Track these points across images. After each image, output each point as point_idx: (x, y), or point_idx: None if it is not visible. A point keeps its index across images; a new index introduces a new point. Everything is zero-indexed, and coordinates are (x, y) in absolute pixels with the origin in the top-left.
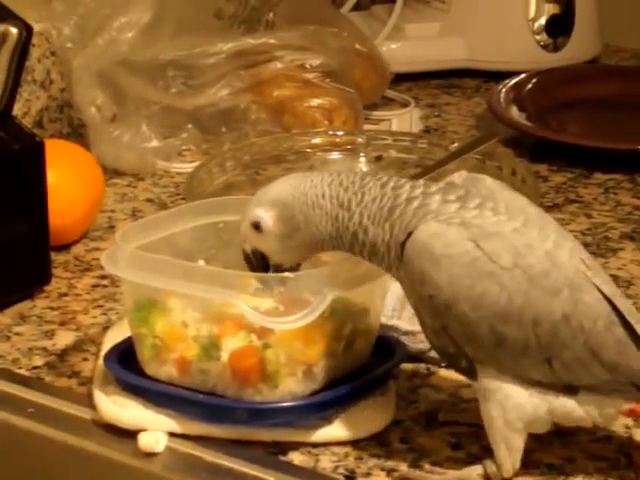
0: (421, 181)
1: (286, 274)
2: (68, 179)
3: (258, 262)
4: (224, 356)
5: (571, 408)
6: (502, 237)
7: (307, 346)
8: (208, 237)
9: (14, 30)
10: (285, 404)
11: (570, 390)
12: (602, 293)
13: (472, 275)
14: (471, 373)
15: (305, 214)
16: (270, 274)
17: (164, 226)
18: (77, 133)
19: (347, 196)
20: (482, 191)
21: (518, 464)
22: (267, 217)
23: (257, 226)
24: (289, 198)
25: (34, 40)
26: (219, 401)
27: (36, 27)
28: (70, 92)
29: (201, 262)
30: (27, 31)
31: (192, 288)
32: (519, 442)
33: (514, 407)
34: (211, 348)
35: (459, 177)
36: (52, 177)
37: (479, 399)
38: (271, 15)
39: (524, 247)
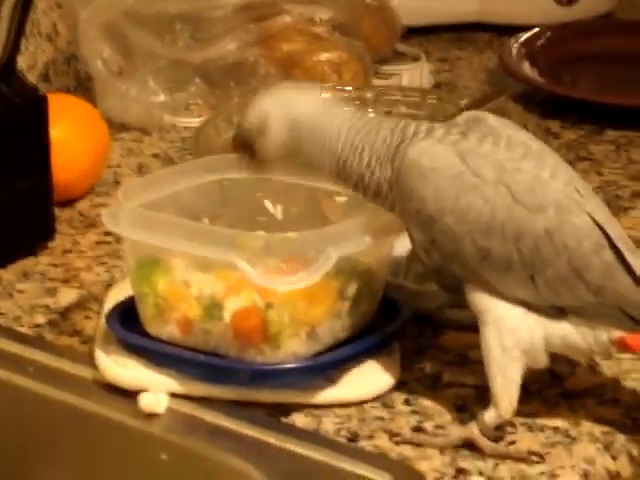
0: (426, 121)
1: (289, 234)
2: (72, 133)
3: (242, 146)
4: (226, 316)
5: (566, 332)
6: (490, 157)
7: (311, 306)
8: (212, 195)
9: None
10: (287, 366)
11: (558, 313)
12: (593, 219)
13: (457, 188)
14: (460, 292)
15: (313, 146)
16: (273, 234)
17: (168, 183)
18: (84, 87)
19: (360, 143)
20: (484, 129)
21: (515, 401)
22: (279, 127)
23: (261, 129)
24: (307, 119)
25: None
26: (221, 362)
27: None
28: (76, 45)
29: (205, 220)
30: None
31: (194, 248)
32: (516, 373)
33: (510, 331)
34: (213, 308)
35: (461, 117)
36: (56, 131)
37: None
38: None
39: (512, 167)
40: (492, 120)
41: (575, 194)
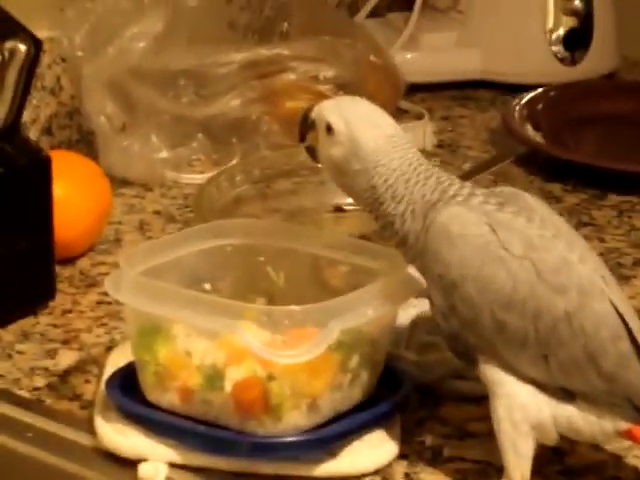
0: (470, 183)
1: (292, 307)
2: (75, 192)
3: (307, 130)
4: (228, 386)
5: (572, 415)
6: (521, 231)
7: (312, 379)
8: (215, 260)
9: (22, 47)
10: (288, 439)
11: (567, 396)
12: (615, 308)
13: (482, 258)
14: (472, 362)
15: (360, 177)
16: (275, 307)
17: (171, 248)
18: (86, 140)
19: (403, 192)
20: (521, 204)
21: (528, 475)
22: (341, 142)
23: (329, 129)
24: (363, 153)
25: (45, 46)
26: (221, 433)
27: (47, 34)
28: (80, 101)
29: (207, 285)
30: (36, 47)
31: (196, 318)
32: (527, 448)
33: (519, 407)
34: (215, 378)
35: (500, 189)
36: (58, 189)
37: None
38: (285, 25)
39: (541, 244)
40: (529, 198)
41: (600, 281)
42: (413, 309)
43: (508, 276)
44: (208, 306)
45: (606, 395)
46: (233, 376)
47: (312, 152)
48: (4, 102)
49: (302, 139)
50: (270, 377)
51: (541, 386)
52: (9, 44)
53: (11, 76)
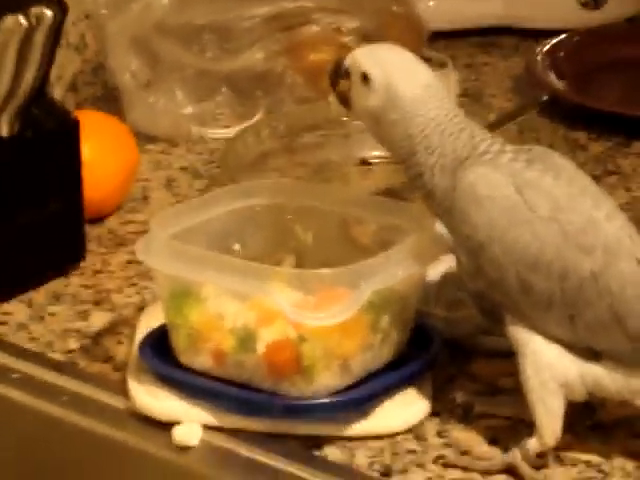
0: (501, 139)
1: (322, 270)
2: (103, 152)
3: (341, 77)
4: (260, 348)
5: (599, 374)
6: (548, 191)
7: (343, 340)
8: (243, 220)
9: (49, 12)
10: (321, 401)
11: (593, 355)
12: None
13: (509, 219)
14: (499, 321)
15: (397, 126)
16: (306, 270)
17: (200, 211)
18: (111, 96)
19: (436, 143)
20: (548, 163)
21: (559, 430)
22: (377, 91)
23: (366, 78)
24: (401, 103)
25: (68, 3)
26: (254, 396)
27: None
28: (104, 58)
29: (236, 246)
30: (62, 10)
31: (227, 281)
32: (557, 404)
33: (546, 365)
34: (247, 340)
35: (530, 147)
36: (86, 150)
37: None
38: None
39: (568, 204)
40: (557, 157)
41: (627, 239)
42: (441, 265)
43: (534, 237)
44: (239, 269)
45: (632, 354)
46: (265, 337)
47: (344, 100)
48: (31, 67)
49: (334, 86)
50: (302, 338)
51: (567, 346)
52: (35, 10)
53: (38, 41)
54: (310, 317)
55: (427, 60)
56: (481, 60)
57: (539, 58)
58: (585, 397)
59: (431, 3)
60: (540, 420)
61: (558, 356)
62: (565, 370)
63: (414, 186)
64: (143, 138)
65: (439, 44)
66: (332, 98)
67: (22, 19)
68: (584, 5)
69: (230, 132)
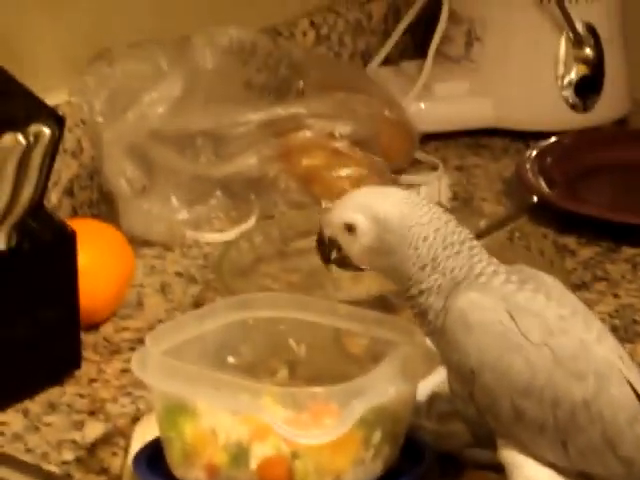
0: (495, 260)
1: (315, 389)
2: (99, 261)
3: (329, 248)
4: (253, 464)
5: None
6: (539, 316)
7: (336, 456)
8: (237, 334)
9: (47, 130)
10: None
11: (586, 479)
12: (634, 390)
13: (500, 346)
14: (492, 445)
15: (400, 247)
16: (298, 389)
17: (194, 325)
18: (107, 199)
19: (442, 254)
20: (539, 281)
21: None
22: (366, 229)
23: (350, 228)
24: (394, 223)
25: (65, 109)
26: None
27: (67, 98)
28: (100, 164)
29: (230, 359)
30: (59, 126)
31: (219, 399)
32: None
33: None
34: (240, 456)
35: (520, 268)
36: (83, 259)
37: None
38: (301, 83)
39: (560, 329)
40: (546, 277)
41: (618, 361)
42: (432, 377)
43: (526, 365)
44: (231, 386)
45: (625, 478)
46: (258, 453)
47: (343, 263)
48: (29, 183)
49: (328, 260)
50: (294, 455)
51: (560, 470)
52: (34, 128)
53: (36, 158)
54: (302, 435)
55: (418, 163)
56: (471, 162)
57: (528, 163)
58: None
59: (422, 106)
60: None
61: (549, 478)
62: None
63: (408, 304)
64: (138, 242)
65: (430, 146)
66: (332, 267)
67: (20, 138)
68: (573, 108)
69: (224, 236)
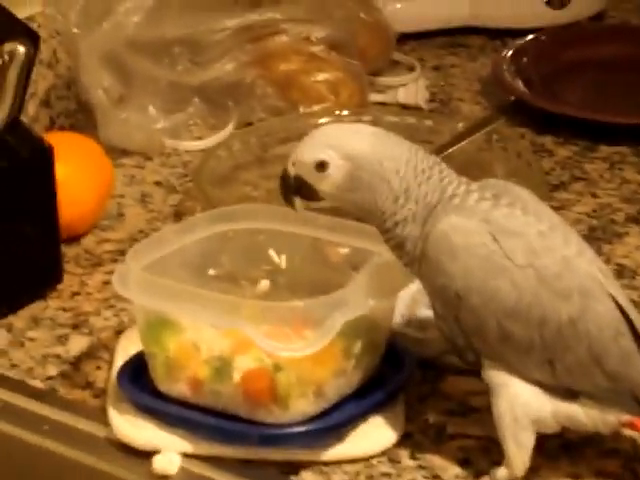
0: (464, 177)
1: (295, 302)
2: (77, 173)
3: (295, 186)
4: (236, 377)
5: (574, 411)
6: (522, 236)
7: (317, 367)
8: (218, 246)
9: (22, 48)
10: (296, 429)
11: (570, 395)
12: (617, 303)
13: (486, 269)
14: (477, 366)
15: (373, 182)
16: (278, 304)
17: (174, 240)
18: (85, 109)
19: (413, 184)
20: (513, 196)
21: (528, 462)
22: (338, 165)
23: (321, 165)
24: (366, 160)
25: (39, 20)
26: (231, 426)
27: (41, 9)
28: (77, 75)
29: (211, 271)
30: (34, 44)
31: (201, 315)
32: (528, 439)
33: (521, 404)
34: (223, 370)
35: (490, 182)
36: (61, 172)
37: (489, 393)
38: None
39: (542, 248)
40: (517, 188)
41: (599, 274)
42: (412, 285)
43: (512, 286)
44: (212, 301)
45: (610, 392)
46: (241, 366)
47: (309, 198)
48: (6, 100)
49: (291, 203)
50: (277, 367)
51: (546, 387)
52: (8, 46)
53: (12, 76)
54: (284, 349)
55: (395, 64)
56: (449, 62)
57: (505, 63)
58: (557, 430)
59: (399, 5)
60: (510, 453)
61: (534, 395)
62: (540, 408)
63: (384, 238)
64: (117, 152)
65: (407, 46)
66: (297, 205)
67: None
68: (549, 4)
69: (203, 144)
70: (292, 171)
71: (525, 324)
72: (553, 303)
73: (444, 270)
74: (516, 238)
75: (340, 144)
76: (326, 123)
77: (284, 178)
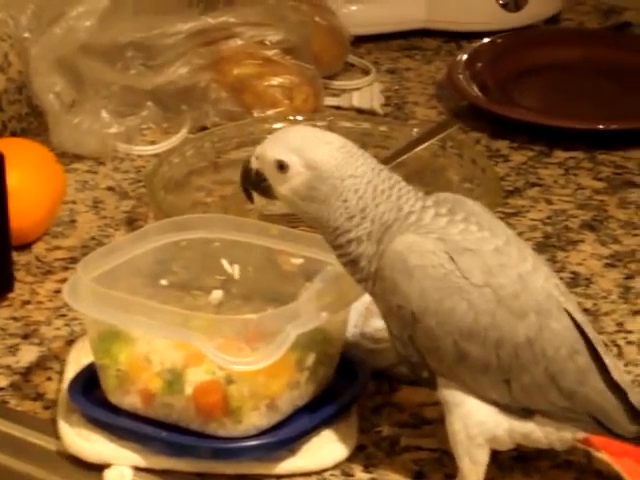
0: (420, 193)
1: (248, 316)
2: (28, 180)
3: (254, 181)
4: (188, 389)
5: (530, 429)
6: (478, 254)
7: (270, 380)
8: (170, 256)
9: None
10: (249, 443)
11: (526, 413)
12: (573, 319)
13: (442, 289)
14: (432, 384)
15: (329, 197)
16: (231, 317)
17: (126, 250)
18: (36, 113)
19: (371, 204)
20: (466, 209)
21: (482, 477)
22: (299, 172)
23: (282, 166)
24: (328, 174)
25: None
26: (183, 439)
27: None
28: (28, 80)
29: (163, 282)
30: None
31: (152, 328)
32: (482, 456)
33: (476, 423)
34: (174, 383)
35: (444, 197)
36: (12, 179)
37: (443, 410)
38: None
39: (498, 266)
40: (470, 202)
41: (555, 291)
42: (365, 296)
43: (469, 307)
44: (163, 314)
45: (566, 410)
46: (193, 378)
47: (267, 194)
48: None
49: (249, 195)
50: (229, 380)
51: (501, 405)
52: None
53: None
54: (236, 362)
55: (351, 67)
56: (404, 65)
57: (459, 67)
58: (512, 447)
59: (354, 8)
60: (465, 469)
61: (489, 414)
62: (495, 427)
63: (335, 253)
64: (69, 157)
65: (362, 49)
66: (255, 200)
67: None
68: (504, 7)
69: (156, 148)
70: (254, 164)
71: (482, 345)
72: (510, 323)
73: (400, 290)
74: (473, 257)
75: (306, 151)
76: (280, 128)
77: (245, 170)
